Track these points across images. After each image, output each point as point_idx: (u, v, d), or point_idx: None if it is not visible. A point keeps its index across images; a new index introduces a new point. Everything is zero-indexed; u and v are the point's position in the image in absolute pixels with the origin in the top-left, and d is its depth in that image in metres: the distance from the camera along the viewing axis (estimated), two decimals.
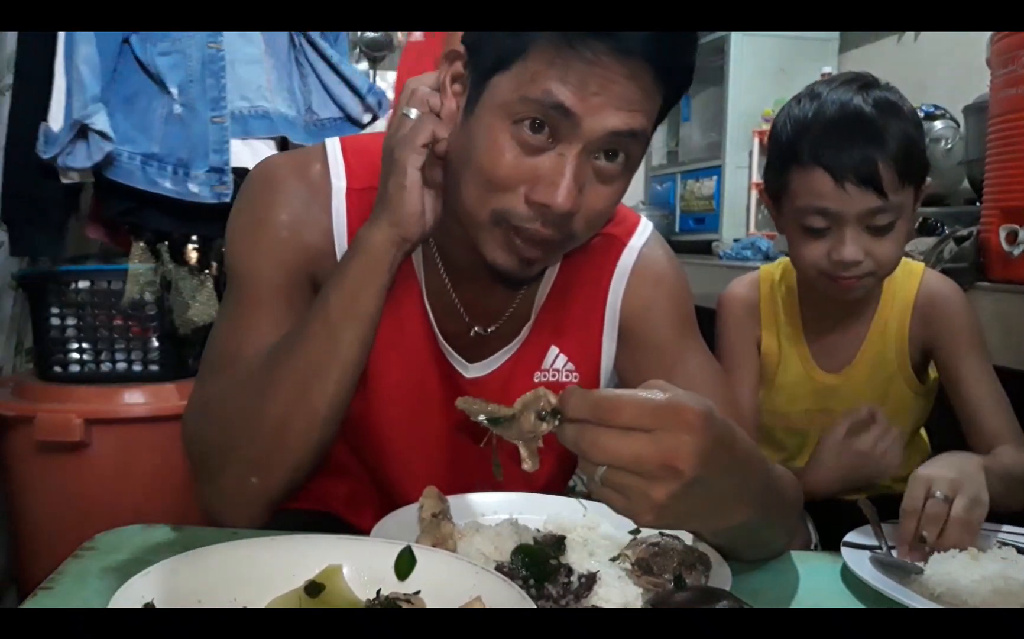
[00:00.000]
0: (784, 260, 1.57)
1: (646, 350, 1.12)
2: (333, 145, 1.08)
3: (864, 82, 1.37)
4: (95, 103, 1.91)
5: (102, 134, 1.90)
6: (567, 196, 0.90)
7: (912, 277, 1.46)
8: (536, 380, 1.11)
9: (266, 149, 2.09)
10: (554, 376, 1.12)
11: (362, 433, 1.10)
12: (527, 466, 0.74)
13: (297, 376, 0.96)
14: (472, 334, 1.10)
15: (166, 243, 2.10)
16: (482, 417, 0.75)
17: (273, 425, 0.96)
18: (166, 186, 1.98)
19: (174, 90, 1.98)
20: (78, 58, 1.91)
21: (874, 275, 1.36)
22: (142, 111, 1.99)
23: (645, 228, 1.16)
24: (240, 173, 2.03)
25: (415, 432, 1.10)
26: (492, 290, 1.08)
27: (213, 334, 1.08)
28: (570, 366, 1.12)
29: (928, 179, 1.39)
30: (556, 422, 0.70)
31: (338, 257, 1.03)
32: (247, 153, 2.06)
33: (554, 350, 1.12)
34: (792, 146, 1.35)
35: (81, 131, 1.91)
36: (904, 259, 1.49)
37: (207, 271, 2.11)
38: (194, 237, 2.10)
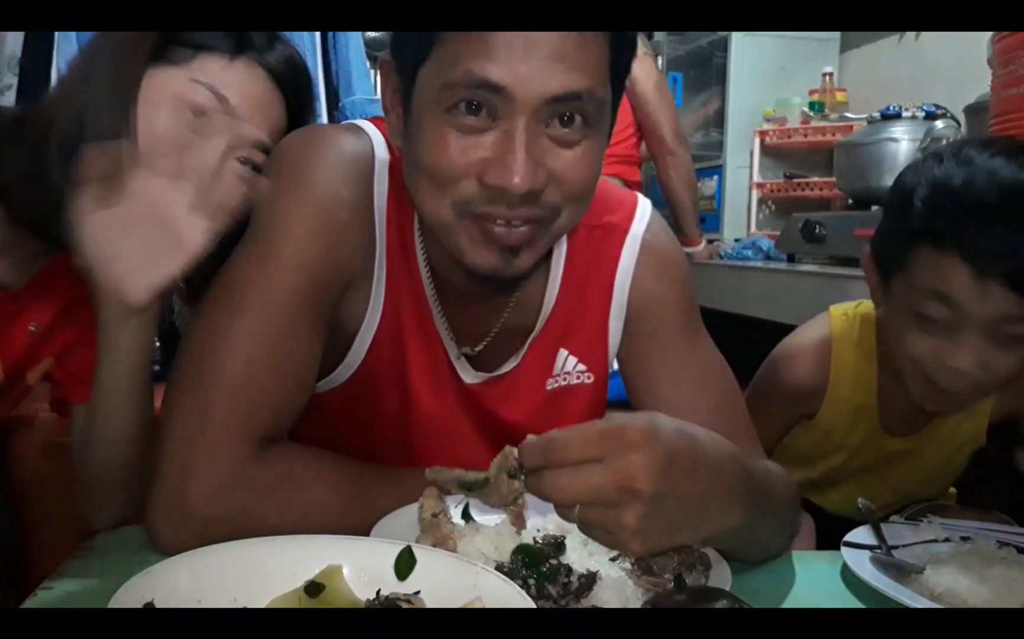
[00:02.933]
0: (862, 306, 1.37)
1: (651, 342, 1.08)
2: (366, 124, 1.03)
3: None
4: None
5: None
6: (523, 176, 0.83)
7: None
8: (548, 387, 1.08)
9: None
10: (565, 380, 1.08)
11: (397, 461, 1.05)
12: (515, 531, 0.76)
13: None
14: (475, 351, 1.06)
15: None
16: (455, 489, 0.76)
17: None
18: None
19: None
20: (60, 58, 1.93)
21: (980, 389, 1.17)
22: None
23: (644, 211, 1.11)
24: None
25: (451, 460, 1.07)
26: (487, 308, 1.04)
27: (255, 321, 0.90)
28: (581, 367, 1.08)
29: None
30: (523, 477, 0.71)
31: (377, 241, 0.98)
32: None
33: (563, 353, 1.08)
34: (926, 219, 1.11)
35: None
36: None
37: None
38: None
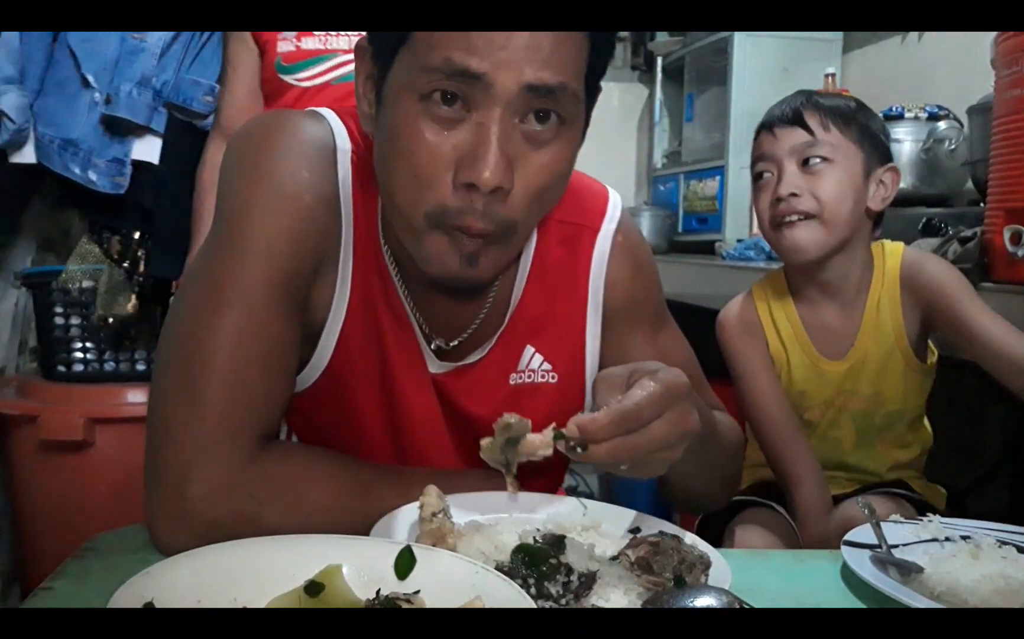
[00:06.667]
0: (770, 272, 1.66)
1: (632, 337, 1.11)
2: (326, 111, 1.01)
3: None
4: (4, 84, 1.95)
5: (7, 115, 1.95)
6: (494, 169, 0.83)
7: (894, 255, 1.53)
8: (512, 382, 1.07)
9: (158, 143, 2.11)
10: (529, 377, 1.08)
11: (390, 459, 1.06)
12: (512, 490, 0.85)
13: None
14: (449, 346, 1.05)
15: (115, 236, 2.12)
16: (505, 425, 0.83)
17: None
18: (75, 172, 2.02)
19: (90, 77, 2.01)
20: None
21: (816, 218, 1.44)
22: (70, 97, 2.03)
23: (615, 208, 1.11)
24: (137, 165, 2.06)
25: (429, 461, 1.06)
26: (463, 305, 1.04)
27: (236, 316, 0.90)
28: (546, 366, 1.08)
29: (884, 143, 1.52)
30: (556, 440, 0.80)
31: (343, 229, 0.97)
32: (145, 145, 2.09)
33: (529, 350, 1.07)
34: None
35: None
36: (884, 242, 1.56)
37: (124, 265, 2.12)
38: (124, 230, 2.13)
